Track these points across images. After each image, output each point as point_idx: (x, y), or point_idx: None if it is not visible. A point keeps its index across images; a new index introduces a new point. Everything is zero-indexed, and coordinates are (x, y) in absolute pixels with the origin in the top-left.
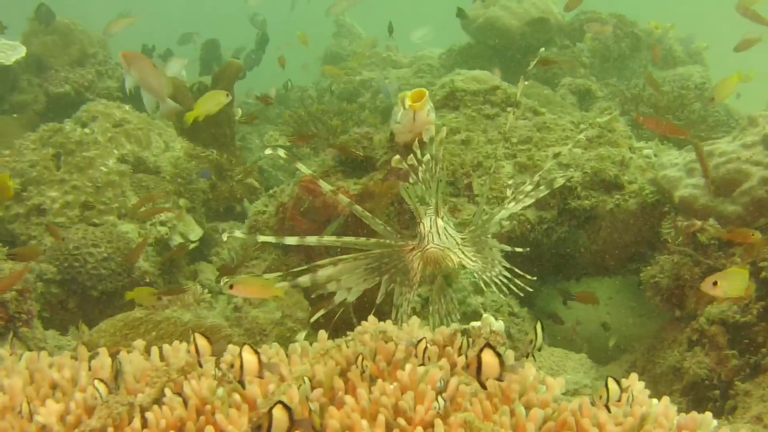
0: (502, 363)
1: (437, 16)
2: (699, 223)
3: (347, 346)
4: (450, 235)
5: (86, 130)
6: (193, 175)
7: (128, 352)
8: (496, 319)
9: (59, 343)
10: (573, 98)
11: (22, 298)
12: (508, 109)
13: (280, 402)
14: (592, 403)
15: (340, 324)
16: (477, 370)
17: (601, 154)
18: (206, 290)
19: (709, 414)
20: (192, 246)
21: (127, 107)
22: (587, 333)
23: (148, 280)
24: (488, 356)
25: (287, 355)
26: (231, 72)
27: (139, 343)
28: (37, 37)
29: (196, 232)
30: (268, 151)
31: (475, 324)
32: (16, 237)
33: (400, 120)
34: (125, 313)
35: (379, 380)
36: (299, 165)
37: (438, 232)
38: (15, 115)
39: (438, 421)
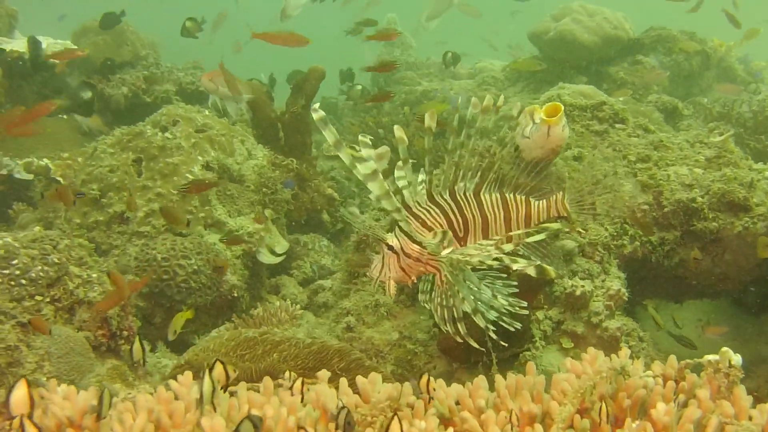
0: None
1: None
2: None
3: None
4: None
5: (167, 135)
6: (277, 185)
7: (312, 383)
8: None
9: (149, 360)
10: (660, 116)
11: (124, 313)
12: (617, 125)
13: None
14: None
15: (473, 349)
16: None
17: (727, 175)
18: (297, 305)
19: None
20: (279, 259)
21: (206, 112)
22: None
23: (235, 294)
24: None
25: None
26: (315, 77)
27: (323, 373)
28: (88, 37)
29: (282, 245)
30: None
31: (711, 357)
32: (97, 246)
33: (529, 134)
34: (233, 331)
35: (627, 419)
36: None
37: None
38: (64, 116)
39: None
